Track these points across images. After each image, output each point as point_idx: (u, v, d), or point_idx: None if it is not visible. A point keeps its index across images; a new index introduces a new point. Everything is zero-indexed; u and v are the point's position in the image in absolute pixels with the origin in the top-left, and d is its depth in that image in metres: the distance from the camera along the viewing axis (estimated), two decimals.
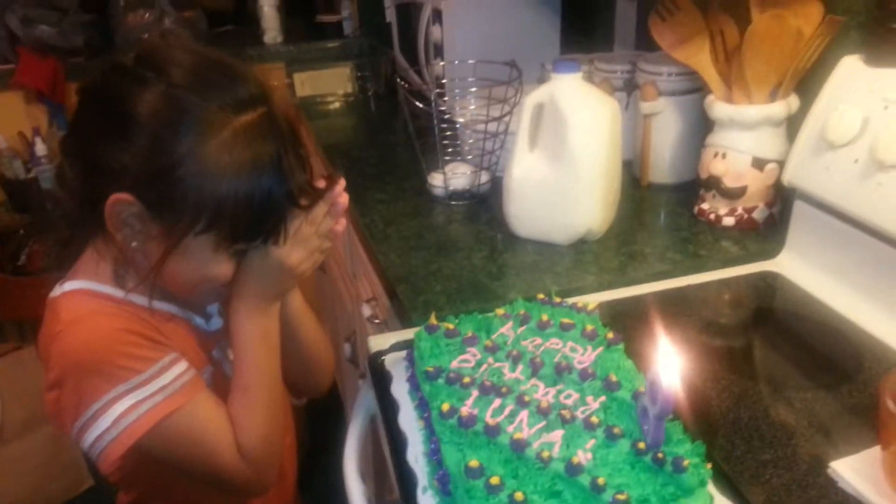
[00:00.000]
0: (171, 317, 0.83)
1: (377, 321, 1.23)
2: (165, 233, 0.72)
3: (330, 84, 2.25)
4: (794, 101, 1.13)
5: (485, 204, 1.32)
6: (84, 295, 0.78)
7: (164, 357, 0.77)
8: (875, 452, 0.67)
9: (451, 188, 1.34)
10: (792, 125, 1.11)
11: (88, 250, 0.79)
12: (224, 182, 0.70)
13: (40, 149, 1.98)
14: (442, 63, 1.59)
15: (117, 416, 0.73)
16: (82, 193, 0.74)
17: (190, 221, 0.71)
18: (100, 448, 0.74)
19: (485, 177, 1.36)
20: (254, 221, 0.74)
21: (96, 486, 2.06)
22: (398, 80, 1.40)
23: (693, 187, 1.24)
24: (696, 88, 1.28)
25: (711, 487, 0.62)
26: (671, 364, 0.60)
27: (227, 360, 0.89)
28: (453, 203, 1.34)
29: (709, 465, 0.62)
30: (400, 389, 0.79)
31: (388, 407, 0.78)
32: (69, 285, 0.78)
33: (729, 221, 1.16)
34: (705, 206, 1.19)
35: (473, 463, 0.61)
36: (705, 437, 0.68)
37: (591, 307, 0.84)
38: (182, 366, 0.78)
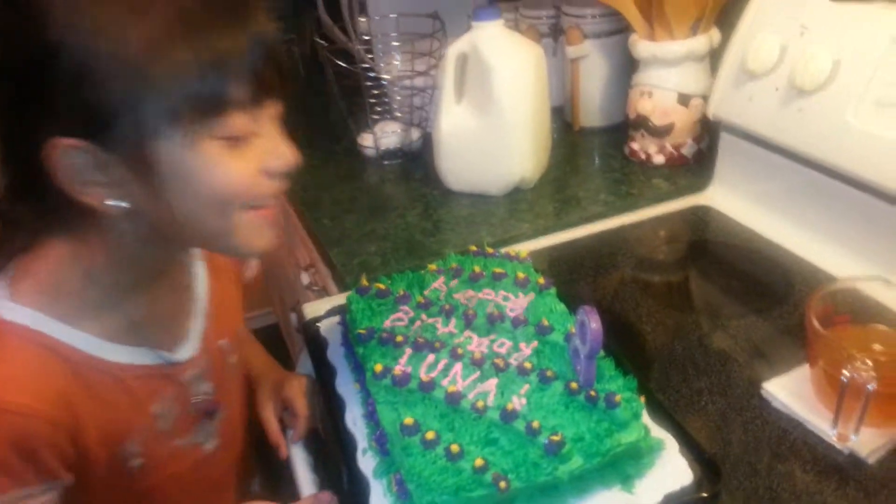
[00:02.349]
0: (111, 366, 0.64)
1: (316, 288, 1.21)
2: (136, 167, 0.54)
3: None
4: (715, 35, 1.13)
5: (417, 161, 1.30)
6: (5, 332, 0.59)
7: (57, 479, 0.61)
8: (805, 370, 0.68)
9: (382, 148, 1.32)
10: (714, 59, 1.11)
11: (34, 257, 0.61)
12: (161, 50, 0.51)
13: None
14: (363, 19, 1.54)
15: None
16: (14, 174, 0.57)
17: (156, 129, 0.53)
18: None
19: (415, 133, 1.33)
20: (210, 84, 0.53)
21: None
22: (317, 39, 1.35)
23: (623, 129, 1.24)
24: (621, 29, 1.27)
25: (647, 419, 0.63)
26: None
27: (203, 378, 0.73)
28: (385, 162, 1.32)
29: (642, 398, 0.62)
30: (336, 354, 0.78)
31: (325, 373, 0.77)
32: (7, 310, 0.60)
33: (659, 159, 1.16)
34: (635, 145, 1.19)
35: (408, 420, 0.60)
36: (641, 371, 0.69)
37: (522, 255, 0.83)
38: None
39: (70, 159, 0.53)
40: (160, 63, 0.51)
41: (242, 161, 0.57)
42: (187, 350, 0.71)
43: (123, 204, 0.56)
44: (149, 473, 0.69)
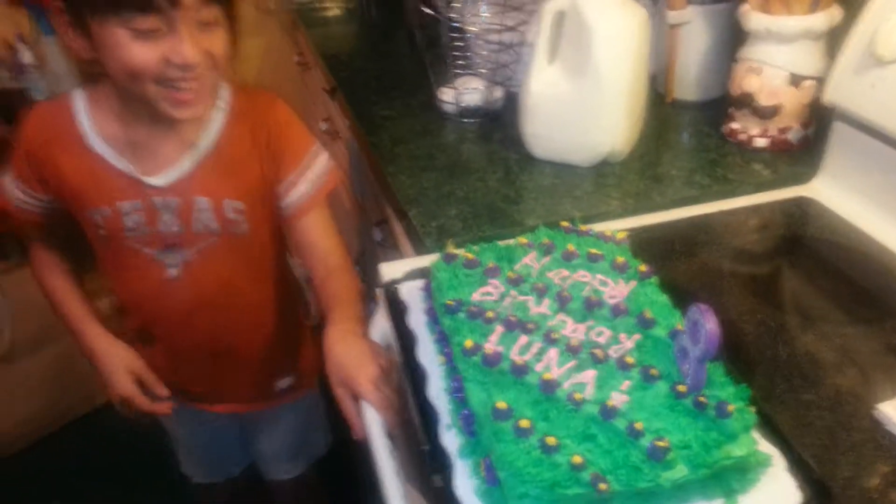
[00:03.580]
0: (94, 155, 0.91)
1: (387, 246, 1.18)
2: (83, 31, 0.80)
3: None
4: (836, 13, 1.04)
5: (499, 122, 1.25)
6: (67, 100, 0.92)
7: (24, 185, 0.97)
8: None
9: (462, 104, 1.26)
10: (832, 39, 1.03)
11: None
12: None
13: (26, 56, 1.87)
14: None
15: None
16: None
17: (85, 7, 0.78)
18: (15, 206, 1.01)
19: (499, 92, 1.27)
20: None
21: (109, 402, 2.06)
22: None
23: (722, 105, 1.16)
24: None
25: (754, 431, 0.59)
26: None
27: (171, 212, 0.95)
28: (465, 121, 1.26)
29: (753, 409, 0.58)
30: (417, 321, 0.75)
31: (405, 339, 0.74)
32: (79, 91, 0.93)
33: (761, 143, 1.09)
34: (736, 125, 1.12)
35: (501, 404, 0.57)
36: (742, 375, 0.64)
37: (619, 236, 0.78)
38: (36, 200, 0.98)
39: (61, 17, 0.81)
40: None
41: (144, 48, 0.78)
42: (157, 179, 0.93)
43: (89, 55, 0.82)
44: (112, 250, 0.98)
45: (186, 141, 0.92)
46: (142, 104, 0.85)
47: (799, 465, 0.57)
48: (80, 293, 1.08)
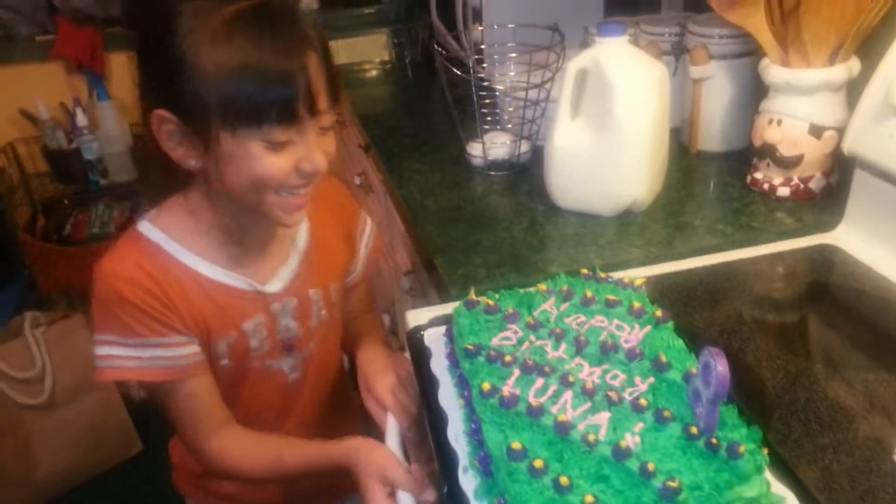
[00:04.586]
0: (207, 281, 0.85)
1: (414, 295, 1.21)
2: (203, 141, 0.74)
3: (366, 52, 2.21)
4: (854, 65, 1.06)
5: (525, 174, 1.29)
6: (141, 238, 0.83)
7: (171, 335, 0.82)
8: None
9: (490, 158, 1.31)
10: (852, 90, 1.05)
11: (175, 200, 0.85)
12: (227, 73, 0.70)
13: (81, 119, 1.99)
14: (480, 28, 1.54)
15: (104, 355, 0.82)
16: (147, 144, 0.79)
17: (217, 121, 0.72)
18: (95, 366, 0.83)
19: (525, 146, 1.32)
20: (263, 111, 0.72)
21: (146, 451, 2.11)
22: (435, 46, 1.36)
23: (745, 156, 1.18)
24: (750, 52, 1.22)
25: (767, 473, 0.59)
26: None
27: (290, 315, 0.92)
28: (493, 173, 1.31)
29: (765, 451, 0.58)
30: (439, 366, 0.77)
31: (427, 383, 0.76)
32: (141, 223, 0.84)
33: (784, 192, 1.11)
34: (759, 175, 1.14)
35: (516, 445, 0.58)
36: (759, 418, 0.65)
37: (637, 283, 0.80)
38: (185, 350, 0.83)
39: (165, 126, 0.75)
40: (227, 79, 0.70)
41: (279, 159, 0.75)
42: (275, 285, 0.89)
43: (198, 164, 0.76)
44: (235, 377, 0.90)
45: (287, 239, 0.91)
46: (246, 214, 0.83)
47: None
48: (283, 438, 0.92)
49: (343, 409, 1.09)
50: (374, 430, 0.88)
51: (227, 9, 0.71)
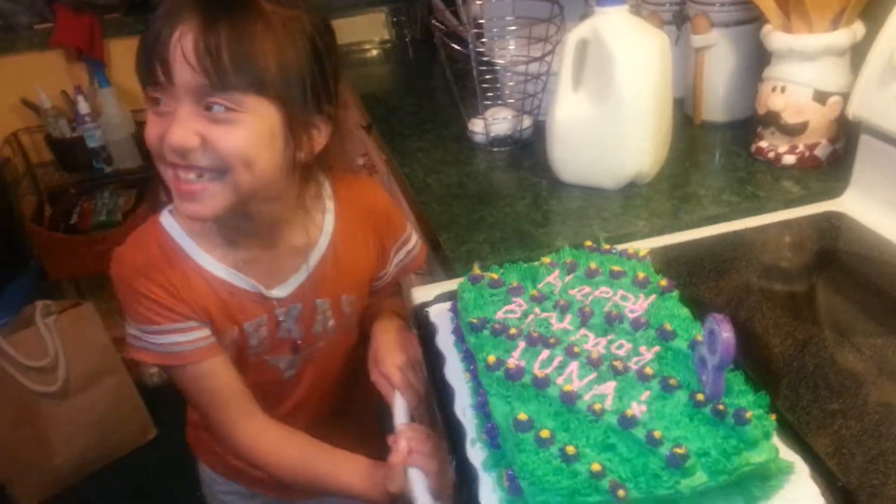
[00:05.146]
0: (214, 279, 0.85)
1: (421, 272, 1.21)
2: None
3: (366, 31, 2.19)
4: (859, 29, 1.05)
5: (528, 149, 1.28)
6: (158, 229, 0.85)
7: (182, 321, 0.83)
8: None
9: (492, 134, 1.30)
10: (856, 55, 1.03)
11: None
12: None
13: (83, 107, 1.99)
14: (479, 2, 1.52)
15: (127, 334, 0.86)
16: None
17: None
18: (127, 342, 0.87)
19: (527, 121, 1.31)
20: (138, 62, 0.74)
21: (161, 436, 2.13)
22: (433, 22, 1.34)
23: (749, 124, 1.17)
24: (752, 18, 1.20)
25: (776, 439, 0.59)
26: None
27: (293, 320, 0.91)
28: (495, 149, 1.30)
29: (773, 417, 0.58)
30: (445, 341, 0.77)
31: (433, 359, 0.76)
32: (161, 214, 0.86)
33: (789, 159, 1.09)
34: (763, 143, 1.13)
35: (522, 416, 0.58)
36: (768, 386, 0.64)
37: (642, 253, 0.80)
38: (197, 334, 0.84)
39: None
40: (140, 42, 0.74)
41: (154, 124, 0.74)
42: (282, 291, 0.89)
43: None
44: (237, 367, 0.89)
45: (301, 246, 0.89)
46: (240, 219, 0.82)
47: (823, 473, 0.57)
48: (314, 443, 0.91)
49: (341, 415, 1.06)
50: (369, 445, 0.89)
51: None
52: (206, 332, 0.85)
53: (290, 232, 0.88)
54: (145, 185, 2.12)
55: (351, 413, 1.07)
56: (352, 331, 0.99)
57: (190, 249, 0.84)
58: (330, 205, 0.92)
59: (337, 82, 0.80)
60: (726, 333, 0.57)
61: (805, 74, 1.06)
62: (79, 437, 1.99)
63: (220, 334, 0.87)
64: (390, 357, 0.86)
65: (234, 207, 0.77)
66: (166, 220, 0.86)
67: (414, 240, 1.02)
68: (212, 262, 0.85)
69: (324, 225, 0.91)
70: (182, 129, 0.71)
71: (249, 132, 0.73)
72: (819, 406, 0.66)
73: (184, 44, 0.70)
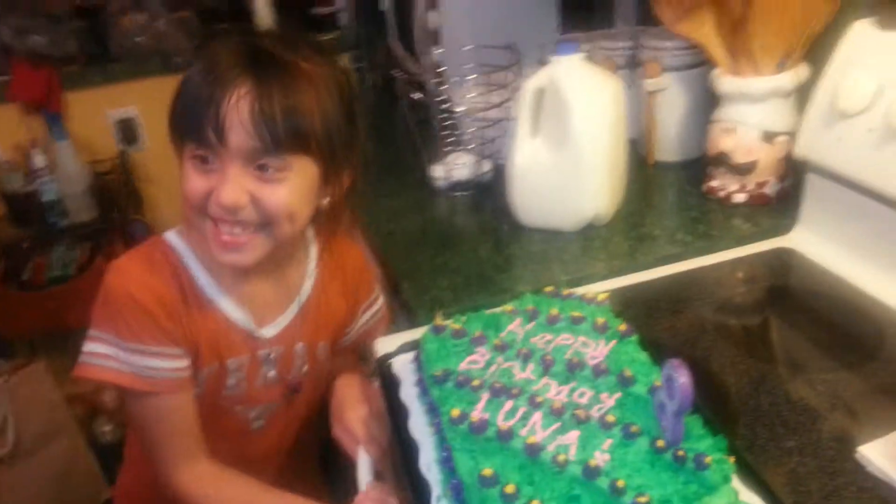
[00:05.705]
0: (214, 307, 0.85)
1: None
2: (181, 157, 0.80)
3: None
4: (803, 71, 1.09)
5: (488, 193, 1.30)
6: (165, 247, 0.85)
7: (171, 346, 0.82)
8: None
9: (453, 179, 1.32)
10: (801, 96, 1.08)
11: None
12: (181, 82, 0.77)
13: (39, 160, 1.96)
14: (439, 50, 1.55)
15: (94, 352, 0.81)
16: None
17: (175, 133, 0.79)
18: (79, 360, 0.82)
19: (487, 166, 1.33)
20: (184, 120, 0.76)
21: (113, 498, 2.06)
22: (393, 71, 1.37)
23: (701, 164, 1.21)
24: (701, 62, 1.24)
25: (736, 481, 0.60)
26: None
27: (272, 364, 0.91)
28: (456, 194, 1.31)
29: (732, 459, 0.59)
30: (409, 394, 0.77)
31: (397, 412, 0.76)
32: (168, 233, 0.86)
33: (740, 198, 1.13)
34: (715, 183, 1.16)
35: (487, 471, 0.59)
36: (725, 425, 0.66)
37: (601, 298, 0.81)
38: (178, 363, 0.83)
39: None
40: (177, 93, 0.77)
41: (198, 179, 0.76)
42: (270, 331, 0.89)
43: None
44: (203, 408, 0.87)
45: (293, 289, 0.91)
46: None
47: None
48: (258, 486, 0.88)
49: (303, 463, 1.06)
50: (326, 489, 0.86)
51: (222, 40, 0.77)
52: (186, 363, 0.84)
53: (287, 272, 0.90)
54: (101, 236, 2.09)
55: (308, 470, 1.06)
56: (319, 383, 0.98)
57: (197, 273, 0.85)
58: (313, 250, 0.94)
59: (360, 131, 0.84)
60: (683, 379, 0.58)
61: (753, 115, 1.10)
62: (30, 501, 1.91)
63: (200, 369, 0.86)
64: (353, 411, 0.85)
65: (270, 254, 0.81)
66: (174, 240, 0.86)
67: (380, 303, 1.03)
68: (217, 292, 0.85)
69: (308, 268, 0.93)
70: (234, 188, 0.74)
71: (294, 188, 0.77)
72: (776, 444, 0.68)
73: (240, 109, 0.72)
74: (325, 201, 0.83)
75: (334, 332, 0.97)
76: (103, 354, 0.81)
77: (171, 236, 0.86)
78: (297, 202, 0.78)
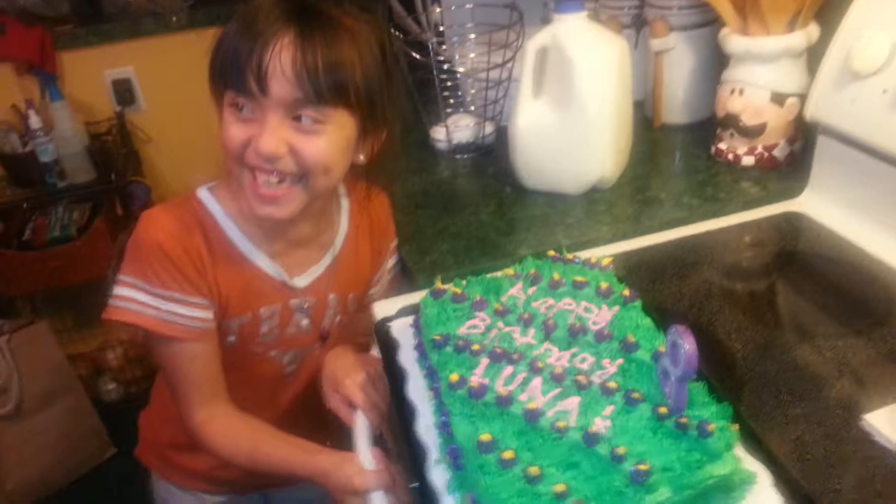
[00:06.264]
0: (245, 260, 0.87)
1: None
2: (217, 101, 0.80)
3: None
4: (814, 31, 1.06)
5: (491, 156, 1.27)
6: (196, 202, 0.86)
7: (195, 295, 0.83)
8: None
9: (454, 141, 1.29)
10: (812, 56, 1.04)
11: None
12: (224, 31, 0.77)
13: (35, 121, 1.93)
14: (438, 9, 1.51)
15: (123, 296, 0.83)
16: None
17: (212, 78, 0.79)
18: (108, 304, 0.84)
19: (489, 128, 1.30)
20: (226, 68, 0.76)
21: (120, 454, 2.08)
22: (392, 29, 1.33)
23: (709, 126, 1.18)
24: (710, 21, 1.21)
25: (740, 449, 0.59)
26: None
27: (305, 312, 0.93)
28: (458, 157, 1.29)
29: (735, 427, 0.58)
30: (408, 358, 0.76)
31: (396, 376, 0.75)
32: (200, 190, 0.87)
33: (748, 161, 1.10)
34: (723, 145, 1.13)
35: (485, 437, 0.58)
36: (731, 393, 0.65)
37: (605, 262, 0.79)
38: (201, 313, 0.84)
39: (215, 96, 0.80)
40: (219, 40, 0.77)
41: (237, 128, 0.77)
42: (302, 281, 0.91)
43: None
44: (236, 356, 0.91)
45: (326, 242, 0.93)
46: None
47: (785, 481, 0.57)
48: (269, 430, 0.89)
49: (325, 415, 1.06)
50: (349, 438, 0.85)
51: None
52: (209, 314, 0.86)
53: (320, 227, 0.91)
54: (100, 198, 2.07)
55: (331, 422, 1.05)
56: (346, 331, 1.00)
57: (228, 228, 0.86)
58: (345, 203, 0.96)
59: (397, 88, 0.85)
60: (688, 346, 0.56)
61: (762, 77, 1.07)
62: (34, 459, 1.94)
63: (233, 318, 0.88)
64: (350, 377, 0.84)
65: (305, 208, 0.82)
66: (206, 197, 0.87)
67: (397, 255, 1.04)
68: (245, 243, 0.87)
69: (340, 223, 0.95)
70: (273, 137, 0.75)
71: (332, 141, 0.78)
72: (782, 411, 0.66)
73: (283, 59, 0.73)
74: (361, 157, 0.84)
75: (364, 283, 1.00)
76: (130, 298, 0.83)
77: (203, 193, 0.87)
78: (333, 155, 0.79)
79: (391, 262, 1.04)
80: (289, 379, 0.98)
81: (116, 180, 2.02)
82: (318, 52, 0.73)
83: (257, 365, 0.94)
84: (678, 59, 1.24)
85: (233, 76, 0.75)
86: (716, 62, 1.19)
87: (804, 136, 1.09)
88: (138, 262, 0.83)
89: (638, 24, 1.33)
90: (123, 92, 2.20)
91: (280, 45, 0.73)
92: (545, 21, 1.44)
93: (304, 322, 0.94)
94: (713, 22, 1.19)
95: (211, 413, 0.88)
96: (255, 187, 0.79)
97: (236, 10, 0.78)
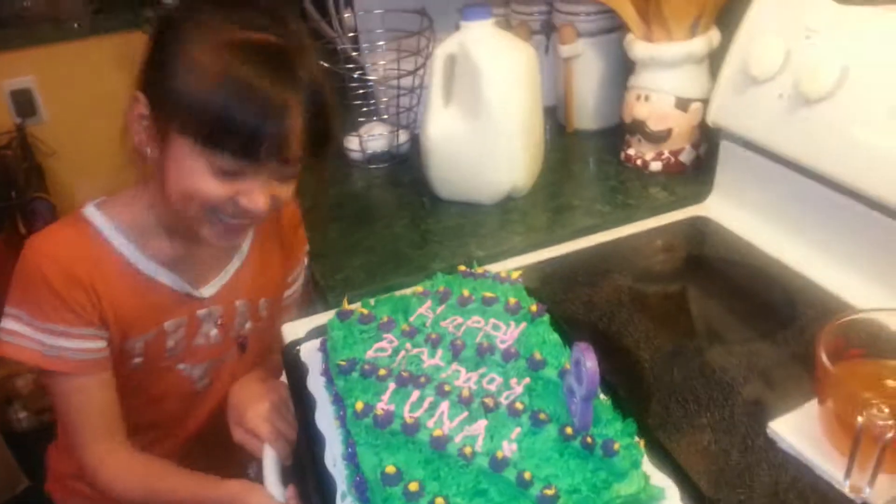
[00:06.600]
0: (142, 277, 0.83)
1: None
2: (160, 133, 0.74)
3: None
4: (715, 36, 1.08)
5: (405, 165, 1.25)
6: (83, 222, 0.82)
7: (81, 326, 0.79)
8: (813, 407, 0.64)
9: (368, 151, 1.27)
10: (714, 62, 1.07)
11: (133, 191, 0.83)
12: (207, 84, 0.70)
13: None
14: (347, 14, 1.48)
15: (9, 329, 0.79)
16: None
17: (179, 123, 0.72)
18: None
19: (403, 136, 1.28)
20: (226, 135, 0.71)
21: (32, 487, 1.97)
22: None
23: (619, 132, 1.19)
24: (616, 27, 1.22)
25: (647, 465, 0.59)
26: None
27: (213, 322, 0.90)
28: (372, 166, 1.26)
29: (641, 443, 0.58)
30: (316, 384, 0.73)
31: (305, 403, 0.72)
32: (87, 207, 0.83)
33: (656, 166, 1.12)
34: (631, 151, 1.15)
35: (390, 469, 0.55)
36: (639, 404, 0.65)
37: (514, 276, 0.78)
38: (90, 344, 0.81)
39: (138, 108, 0.75)
40: (208, 90, 0.70)
41: (220, 185, 0.73)
42: (207, 290, 0.88)
43: (153, 155, 0.75)
44: (144, 377, 0.88)
45: (231, 248, 0.90)
46: (183, 221, 0.80)
47: (692, 494, 0.57)
48: (166, 467, 0.86)
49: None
50: None
51: (239, 33, 0.71)
52: (101, 343, 0.82)
53: None
54: (1, 216, 1.96)
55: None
56: (264, 341, 0.97)
57: (120, 245, 0.82)
58: None
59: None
60: (590, 364, 0.56)
61: (667, 82, 1.08)
62: None
63: (136, 338, 0.84)
64: (252, 409, 0.80)
65: None
66: (92, 213, 0.83)
67: (304, 263, 1.02)
68: (141, 259, 0.83)
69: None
70: (264, 196, 0.75)
71: (294, 184, 0.79)
72: (688, 421, 0.67)
73: (283, 131, 0.71)
74: None
75: (276, 287, 0.97)
76: (13, 332, 0.80)
77: (91, 211, 0.83)
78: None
79: (302, 265, 1.01)
80: (202, 395, 0.94)
81: (17, 197, 1.92)
82: (313, 119, 0.73)
83: (165, 382, 0.90)
84: (587, 65, 1.25)
85: (231, 142, 0.70)
86: (623, 68, 1.21)
87: (708, 140, 1.11)
88: (22, 292, 0.79)
89: (547, 30, 1.33)
90: (23, 103, 2.09)
91: (288, 125, 0.71)
92: (458, 27, 1.43)
93: (213, 332, 0.90)
94: (620, 28, 1.20)
95: (103, 452, 0.84)
96: (220, 228, 0.78)
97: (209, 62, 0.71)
